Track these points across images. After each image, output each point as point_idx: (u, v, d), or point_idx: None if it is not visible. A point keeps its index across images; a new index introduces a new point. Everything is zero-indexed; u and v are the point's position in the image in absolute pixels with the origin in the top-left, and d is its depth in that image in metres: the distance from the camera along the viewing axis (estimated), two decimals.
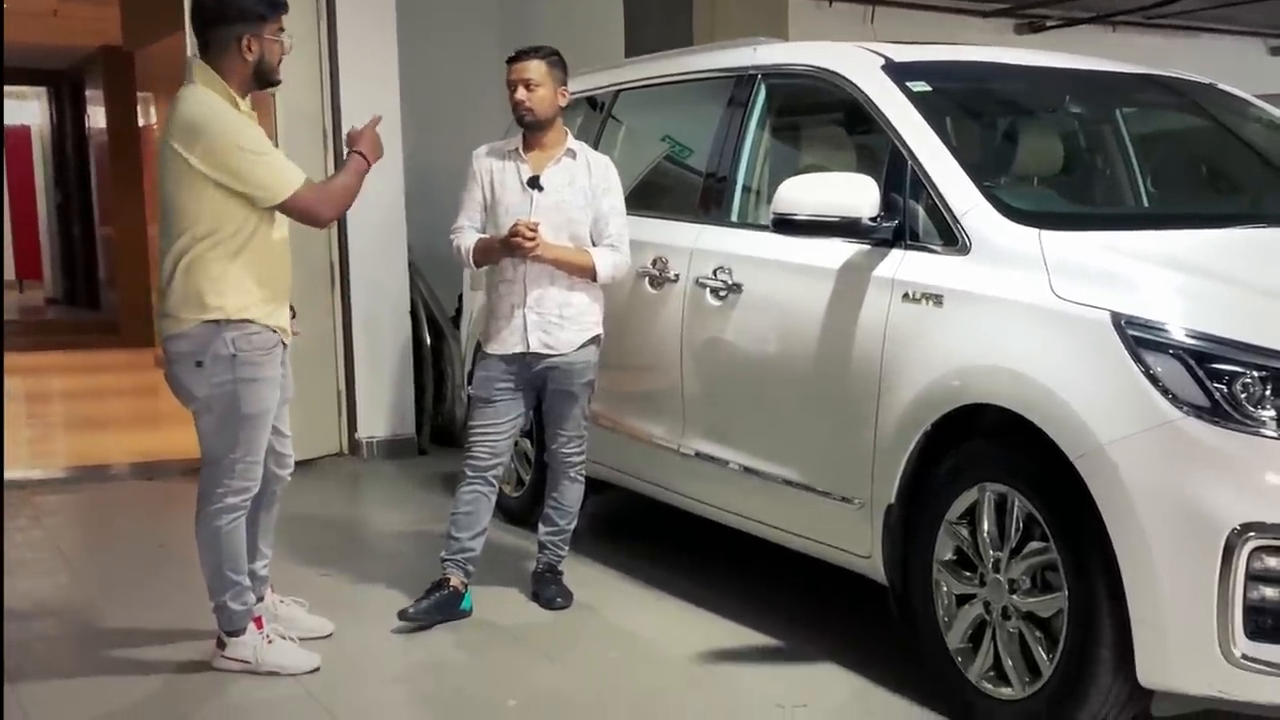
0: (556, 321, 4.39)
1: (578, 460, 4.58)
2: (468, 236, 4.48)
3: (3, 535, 4.81)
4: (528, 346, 4.38)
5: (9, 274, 19.55)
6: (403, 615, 4.33)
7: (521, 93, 4.39)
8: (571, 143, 4.51)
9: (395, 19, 7.19)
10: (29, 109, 19.09)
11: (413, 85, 7.42)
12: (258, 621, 3.96)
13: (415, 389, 7.36)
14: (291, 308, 4.03)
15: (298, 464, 6.37)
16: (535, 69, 4.40)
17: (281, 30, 3.85)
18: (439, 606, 4.38)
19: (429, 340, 7.40)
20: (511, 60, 4.46)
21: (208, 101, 3.74)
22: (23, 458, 7.30)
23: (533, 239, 4.24)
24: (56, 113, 17.94)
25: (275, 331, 3.83)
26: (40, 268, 19.67)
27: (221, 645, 3.95)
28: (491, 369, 4.46)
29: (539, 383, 4.47)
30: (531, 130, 4.44)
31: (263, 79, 3.85)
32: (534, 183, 4.40)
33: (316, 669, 3.95)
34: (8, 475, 6.19)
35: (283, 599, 4.25)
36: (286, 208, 3.78)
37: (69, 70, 16.31)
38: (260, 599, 4.10)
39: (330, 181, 3.97)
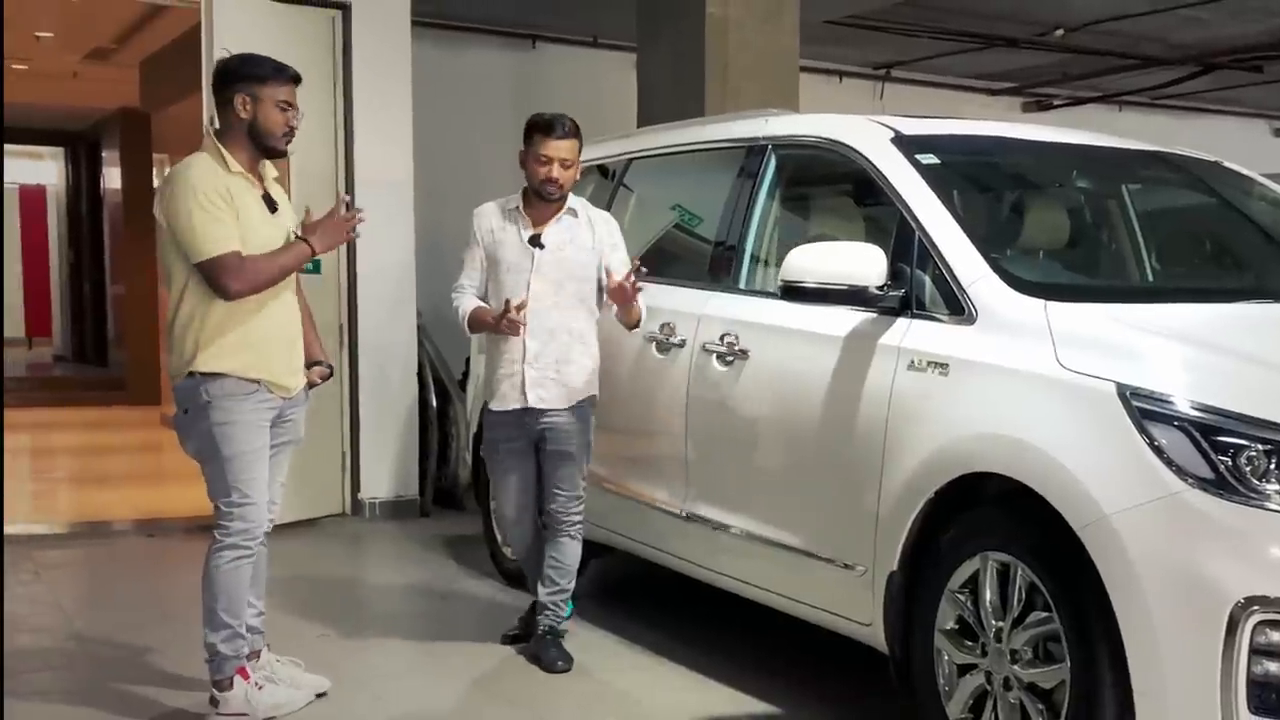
0: (554, 377, 4.47)
1: (577, 519, 4.60)
2: (466, 300, 4.56)
3: (2, 587, 4.79)
4: (526, 402, 4.46)
5: (19, 330, 19.65)
6: (505, 639, 4.76)
7: (557, 171, 4.42)
8: (573, 201, 4.58)
9: (410, 85, 7.28)
10: (46, 169, 19.27)
11: (426, 151, 7.49)
12: (242, 672, 3.97)
13: (420, 451, 7.36)
14: (322, 362, 4.23)
15: (300, 524, 6.36)
16: (570, 149, 4.46)
17: (288, 103, 3.95)
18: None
19: (435, 403, 7.41)
20: (545, 133, 4.45)
21: (190, 161, 3.93)
22: (25, 512, 7.29)
23: (628, 289, 4.33)
24: (73, 172, 18.10)
25: (257, 382, 3.90)
26: (50, 324, 19.75)
27: (215, 703, 3.96)
28: (496, 426, 4.58)
29: (538, 440, 4.54)
30: (551, 202, 4.50)
31: (259, 142, 3.95)
32: (535, 240, 4.47)
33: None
34: (10, 530, 6.18)
35: (279, 658, 4.24)
36: (203, 270, 3.84)
37: (86, 131, 16.48)
38: (256, 654, 4.11)
39: (262, 258, 3.88)
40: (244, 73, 3.94)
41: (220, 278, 3.82)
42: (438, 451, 7.41)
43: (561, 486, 4.55)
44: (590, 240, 4.52)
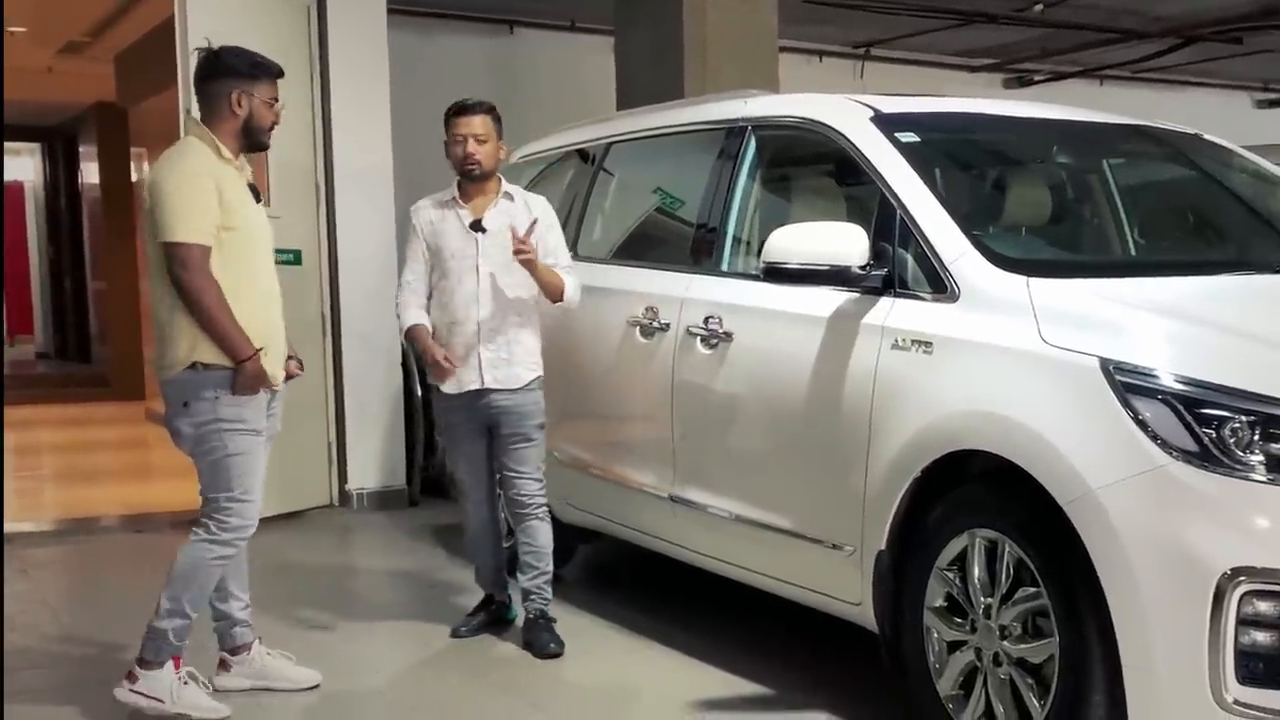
0: (507, 358, 4.55)
1: (541, 501, 4.63)
2: (410, 312, 4.61)
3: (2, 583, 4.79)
4: (483, 383, 4.53)
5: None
6: (454, 633, 4.73)
7: (472, 146, 4.53)
8: (507, 186, 4.66)
9: (388, 74, 7.25)
10: (23, 165, 19.17)
11: (405, 139, 7.47)
12: (175, 660, 3.92)
13: (406, 441, 7.35)
14: (294, 356, 4.18)
15: (288, 515, 6.35)
16: (482, 124, 4.56)
17: (275, 99, 3.98)
18: (488, 623, 4.79)
19: (420, 392, 7.39)
20: (457, 114, 4.58)
21: (186, 145, 3.90)
22: (11, 510, 7.25)
23: (527, 248, 4.35)
24: (50, 168, 18.02)
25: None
26: (31, 322, 19.67)
27: (132, 678, 3.88)
28: (451, 412, 4.64)
29: (491, 424, 4.59)
30: (475, 181, 4.58)
31: (250, 138, 3.96)
32: (477, 225, 4.54)
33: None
34: None
35: (269, 651, 4.23)
36: (170, 252, 3.76)
37: (63, 126, 16.39)
38: (247, 647, 4.12)
39: (222, 303, 3.78)
40: (235, 70, 3.92)
41: (183, 264, 3.74)
42: (424, 441, 7.40)
43: (522, 470, 4.58)
44: (527, 221, 4.51)
